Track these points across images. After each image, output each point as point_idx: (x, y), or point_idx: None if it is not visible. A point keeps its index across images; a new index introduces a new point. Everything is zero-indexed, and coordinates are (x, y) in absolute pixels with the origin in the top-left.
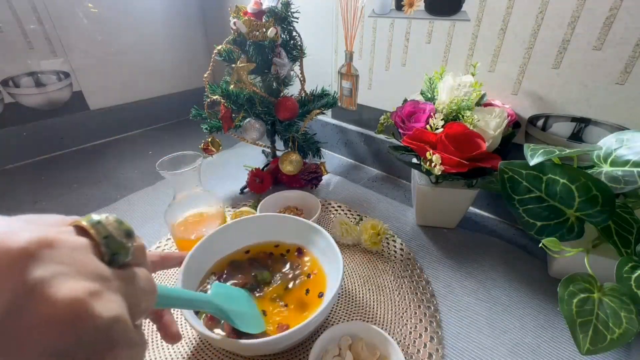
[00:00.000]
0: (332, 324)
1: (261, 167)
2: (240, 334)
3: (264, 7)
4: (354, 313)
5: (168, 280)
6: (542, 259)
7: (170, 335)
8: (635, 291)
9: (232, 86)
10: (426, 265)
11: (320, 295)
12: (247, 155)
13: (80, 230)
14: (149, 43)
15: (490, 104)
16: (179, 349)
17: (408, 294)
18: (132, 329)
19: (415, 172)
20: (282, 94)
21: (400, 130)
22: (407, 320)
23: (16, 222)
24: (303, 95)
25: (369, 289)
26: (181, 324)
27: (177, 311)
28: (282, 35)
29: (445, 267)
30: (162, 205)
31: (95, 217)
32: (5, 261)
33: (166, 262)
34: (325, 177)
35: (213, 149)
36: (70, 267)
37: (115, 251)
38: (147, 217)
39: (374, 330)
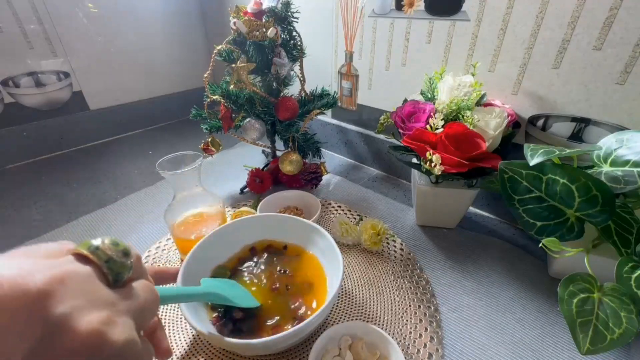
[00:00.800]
0: (332, 324)
1: (261, 167)
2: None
3: (264, 7)
4: (354, 313)
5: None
6: (542, 259)
7: (162, 352)
8: (635, 291)
9: (232, 86)
10: (426, 265)
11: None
12: (247, 155)
13: (81, 258)
14: (149, 43)
15: (490, 104)
16: (179, 349)
17: (408, 294)
18: (140, 344)
19: (415, 172)
20: (282, 94)
21: (400, 130)
22: (407, 320)
23: (19, 259)
24: (303, 95)
25: (369, 289)
26: (181, 324)
27: (178, 311)
28: (282, 35)
29: (445, 267)
30: (162, 205)
31: (93, 242)
32: (30, 301)
33: (160, 277)
34: (325, 177)
35: (213, 149)
36: (83, 299)
37: (118, 271)
38: (147, 217)
39: (374, 330)
